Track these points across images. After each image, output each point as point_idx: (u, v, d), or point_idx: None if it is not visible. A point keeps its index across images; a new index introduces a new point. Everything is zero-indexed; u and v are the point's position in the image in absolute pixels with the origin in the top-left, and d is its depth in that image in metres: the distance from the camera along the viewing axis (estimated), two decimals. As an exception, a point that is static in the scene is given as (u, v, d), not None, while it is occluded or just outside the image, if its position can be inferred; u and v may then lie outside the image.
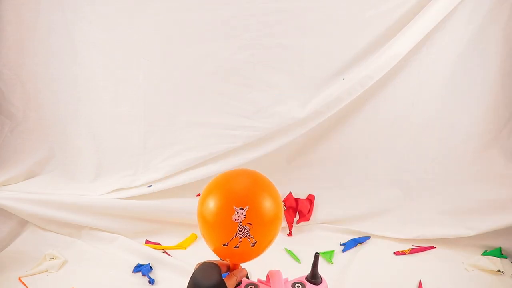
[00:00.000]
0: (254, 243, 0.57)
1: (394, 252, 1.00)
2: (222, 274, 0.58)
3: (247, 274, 0.87)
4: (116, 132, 1.09)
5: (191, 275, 0.57)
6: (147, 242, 1.05)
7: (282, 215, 0.64)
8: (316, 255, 0.66)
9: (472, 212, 1.01)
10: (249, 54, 0.99)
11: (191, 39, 0.99)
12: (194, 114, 1.06)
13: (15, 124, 1.08)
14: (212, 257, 0.62)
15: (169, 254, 0.99)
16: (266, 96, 1.03)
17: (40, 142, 1.11)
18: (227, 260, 0.61)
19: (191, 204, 1.08)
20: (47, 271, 0.92)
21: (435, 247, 1.01)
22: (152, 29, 0.99)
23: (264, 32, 0.97)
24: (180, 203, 1.07)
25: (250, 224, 0.56)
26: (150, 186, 1.07)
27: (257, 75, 1.01)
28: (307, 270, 0.67)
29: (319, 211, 1.09)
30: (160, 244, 1.04)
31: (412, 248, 1.00)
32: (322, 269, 0.66)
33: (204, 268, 0.57)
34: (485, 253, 0.98)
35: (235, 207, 0.56)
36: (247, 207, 0.56)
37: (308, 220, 1.08)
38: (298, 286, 0.64)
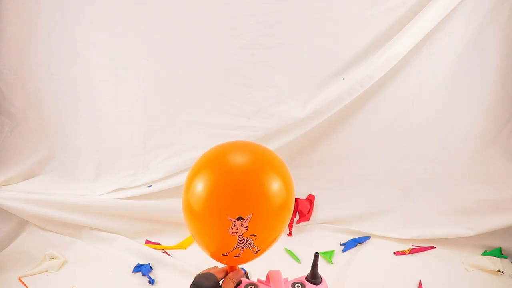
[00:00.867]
0: (258, 251, 0.52)
1: (394, 252, 1.00)
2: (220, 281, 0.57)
3: (247, 274, 0.88)
4: (116, 132, 1.09)
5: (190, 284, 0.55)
6: (147, 242, 1.05)
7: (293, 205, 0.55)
8: (316, 255, 0.66)
9: (472, 212, 1.01)
10: (249, 54, 0.99)
11: (191, 39, 0.99)
12: (194, 114, 1.06)
13: (15, 124, 1.08)
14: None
15: (169, 254, 0.99)
16: (266, 96, 1.03)
17: (40, 142, 1.11)
18: (224, 262, 0.58)
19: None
20: (47, 271, 0.92)
21: (435, 247, 1.01)
22: (152, 29, 0.99)
23: (264, 32, 0.97)
24: (180, 203, 1.06)
25: (255, 236, 0.49)
26: (150, 186, 1.07)
27: (257, 75, 1.01)
28: (307, 270, 0.67)
29: (319, 211, 1.09)
30: (160, 244, 1.04)
31: (412, 248, 1.00)
32: (322, 269, 0.66)
33: (202, 275, 0.56)
34: (485, 253, 0.98)
35: (230, 218, 0.47)
36: (249, 216, 0.47)
37: (308, 220, 1.08)
38: (298, 286, 0.64)
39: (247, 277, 0.89)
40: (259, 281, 0.64)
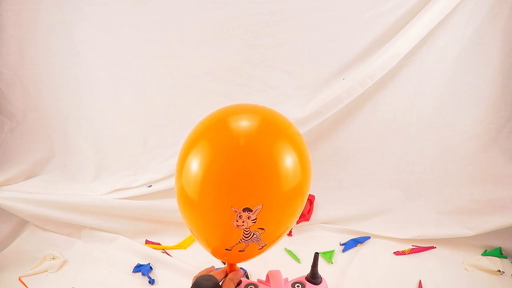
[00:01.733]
0: (263, 246, 0.48)
1: (394, 252, 1.00)
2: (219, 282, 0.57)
3: (247, 274, 0.88)
4: (116, 132, 1.09)
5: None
6: (147, 242, 1.05)
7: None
8: (316, 255, 0.66)
9: (472, 212, 1.01)
10: (249, 54, 0.99)
11: (191, 39, 0.99)
12: (194, 114, 1.05)
13: (15, 124, 1.08)
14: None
15: (169, 254, 0.99)
16: (266, 96, 1.03)
17: (40, 142, 1.11)
18: (226, 258, 0.55)
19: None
20: (47, 271, 0.92)
21: (435, 247, 1.01)
22: (152, 29, 0.99)
23: (264, 32, 0.97)
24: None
25: (263, 229, 0.43)
26: (150, 186, 1.07)
27: (257, 75, 1.01)
28: (307, 270, 0.67)
29: (319, 211, 1.09)
30: (160, 244, 1.04)
31: (412, 248, 1.00)
32: (322, 269, 0.66)
33: (202, 276, 0.56)
34: (485, 253, 0.98)
35: (234, 210, 0.40)
36: (259, 207, 0.40)
37: (308, 220, 1.08)
38: (298, 286, 0.64)
39: (247, 277, 0.89)
40: (259, 281, 0.64)
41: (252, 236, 0.43)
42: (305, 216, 1.07)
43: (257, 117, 0.44)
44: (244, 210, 0.40)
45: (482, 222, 0.98)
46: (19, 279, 0.89)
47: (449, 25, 0.93)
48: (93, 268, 0.94)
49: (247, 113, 0.45)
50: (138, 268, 0.93)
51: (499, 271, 0.91)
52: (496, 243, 0.99)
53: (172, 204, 1.05)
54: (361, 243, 1.03)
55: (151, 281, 0.89)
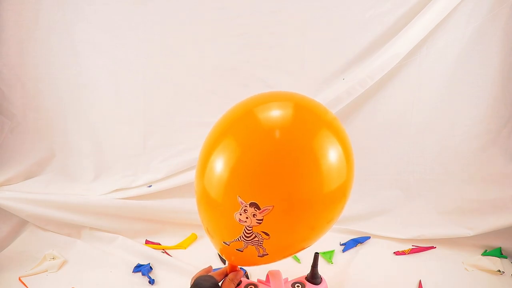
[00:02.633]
0: (264, 255, 0.44)
1: (394, 252, 1.00)
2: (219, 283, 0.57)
3: (247, 274, 0.88)
4: (116, 132, 1.09)
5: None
6: (147, 242, 1.05)
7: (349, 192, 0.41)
8: (316, 255, 0.66)
9: (472, 212, 1.01)
10: (249, 54, 0.99)
11: (191, 39, 0.99)
12: (194, 114, 1.06)
13: (15, 124, 1.08)
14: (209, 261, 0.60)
15: (169, 254, 0.99)
16: (266, 96, 1.03)
17: (40, 142, 1.11)
18: (232, 258, 0.52)
19: (191, 204, 1.08)
20: (47, 271, 0.92)
21: (435, 247, 1.01)
22: (152, 29, 0.99)
23: (264, 32, 0.97)
24: (180, 203, 1.07)
25: (268, 235, 0.39)
26: (150, 186, 1.07)
27: (257, 75, 1.01)
28: (307, 270, 0.67)
29: (319, 211, 1.09)
30: (160, 244, 1.04)
31: (412, 248, 1.00)
32: (322, 269, 0.66)
33: (201, 277, 0.55)
34: (485, 253, 0.98)
35: (240, 201, 0.35)
36: (268, 207, 0.35)
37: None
38: (298, 286, 0.64)
39: (247, 277, 0.89)
40: (259, 281, 0.64)
41: (253, 238, 0.38)
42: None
43: (289, 104, 0.38)
44: (251, 205, 0.36)
45: (482, 222, 0.98)
46: (19, 279, 0.89)
47: (449, 25, 0.93)
48: (93, 268, 0.94)
49: (276, 101, 0.40)
50: (138, 268, 0.93)
51: (499, 271, 0.91)
52: (496, 243, 0.99)
53: (172, 204, 1.07)
54: (361, 243, 1.03)
55: (151, 281, 0.89)
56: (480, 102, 1.00)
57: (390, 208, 1.09)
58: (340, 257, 0.98)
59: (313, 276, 0.66)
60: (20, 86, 1.04)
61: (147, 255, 0.97)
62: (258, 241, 0.39)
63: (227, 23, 0.97)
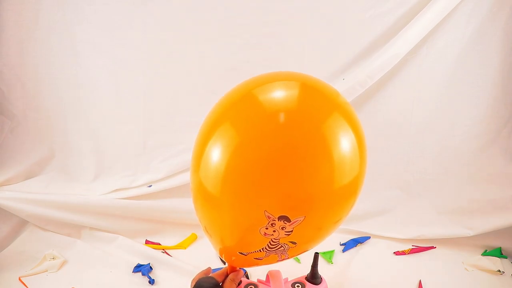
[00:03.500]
0: (284, 259, 0.42)
1: (394, 252, 1.00)
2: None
3: (247, 274, 0.88)
4: (116, 132, 1.09)
5: None
6: (147, 242, 1.05)
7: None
8: (316, 255, 0.66)
9: (472, 212, 1.01)
10: (249, 54, 0.99)
11: (191, 39, 0.99)
12: (194, 114, 1.06)
13: (15, 124, 1.08)
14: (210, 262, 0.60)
15: (169, 254, 0.99)
16: (266, 96, 1.03)
17: (40, 142, 1.11)
18: (233, 258, 0.50)
19: (191, 204, 1.08)
20: (47, 271, 0.92)
21: (435, 247, 1.01)
22: (152, 29, 0.99)
23: (264, 32, 0.97)
24: (180, 203, 1.07)
25: (295, 243, 0.36)
26: (150, 186, 1.07)
27: (257, 75, 1.01)
28: (307, 270, 0.67)
29: (319, 211, 1.09)
30: (160, 244, 1.04)
31: (412, 248, 1.00)
32: (322, 269, 0.66)
33: (203, 278, 0.55)
34: (485, 253, 0.98)
35: (268, 215, 0.31)
36: (299, 219, 0.31)
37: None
38: (298, 286, 0.64)
39: (247, 277, 0.89)
40: (259, 281, 0.64)
41: (279, 248, 0.35)
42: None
43: (295, 84, 0.33)
44: (280, 218, 0.31)
45: (482, 222, 0.98)
46: (19, 279, 0.89)
47: (449, 25, 0.93)
48: (93, 268, 0.94)
49: (280, 81, 0.35)
50: (138, 268, 0.93)
51: (499, 271, 0.91)
52: (496, 243, 0.99)
53: (172, 204, 1.07)
54: (361, 243, 1.03)
55: (151, 281, 0.89)
56: (480, 102, 1.00)
57: (390, 208, 1.09)
58: (340, 257, 0.98)
59: (313, 276, 0.66)
60: (20, 86, 1.04)
61: (147, 255, 0.97)
62: (284, 250, 0.36)
63: (227, 23, 0.97)
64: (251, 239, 0.35)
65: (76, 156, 1.12)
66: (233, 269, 0.59)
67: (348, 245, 1.02)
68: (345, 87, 0.97)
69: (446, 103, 1.01)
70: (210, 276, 0.56)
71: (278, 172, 0.31)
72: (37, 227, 1.06)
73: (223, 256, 0.54)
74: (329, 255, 0.98)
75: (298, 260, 0.97)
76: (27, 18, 0.97)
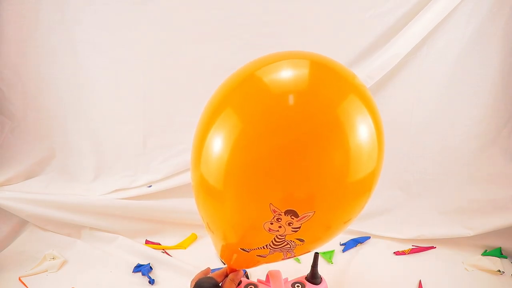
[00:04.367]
0: (289, 258, 0.40)
1: (394, 252, 1.00)
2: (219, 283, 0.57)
3: (247, 274, 0.88)
4: (116, 132, 1.09)
5: None
6: (147, 242, 1.05)
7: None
8: (316, 255, 0.66)
9: (472, 212, 1.01)
10: (249, 54, 0.99)
11: (191, 39, 0.99)
12: (194, 114, 1.05)
13: (15, 124, 1.08)
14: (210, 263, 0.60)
15: (169, 254, 0.99)
16: (266, 96, 1.03)
17: (40, 142, 1.11)
18: (234, 256, 0.48)
19: (191, 204, 1.08)
20: (47, 271, 0.92)
21: (435, 247, 1.01)
22: (152, 29, 0.99)
23: (264, 32, 0.97)
24: (180, 203, 1.07)
25: (302, 241, 0.33)
26: (150, 186, 1.07)
27: (257, 75, 1.01)
28: (307, 270, 0.67)
29: (319, 211, 1.09)
30: (160, 244, 1.04)
31: (412, 248, 1.00)
32: (322, 269, 0.66)
33: (202, 278, 0.55)
34: (485, 253, 0.98)
35: (274, 209, 0.28)
36: (309, 214, 0.28)
37: (308, 220, 1.08)
38: (298, 286, 0.64)
39: (247, 277, 0.89)
40: (259, 281, 0.64)
41: (284, 246, 0.32)
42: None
43: (305, 63, 0.30)
44: (287, 213, 0.28)
45: (482, 222, 0.98)
46: (19, 279, 0.89)
47: (449, 25, 0.93)
48: (93, 268, 0.94)
49: (287, 59, 0.31)
50: (138, 268, 0.93)
51: (499, 271, 0.91)
52: (496, 243, 0.99)
53: (172, 204, 1.07)
54: (361, 243, 1.03)
55: (151, 281, 0.89)
56: (480, 102, 1.00)
57: (390, 208, 1.09)
58: (340, 257, 0.98)
59: (313, 276, 0.65)
60: (20, 86, 1.04)
61: (147, 255, 0.97)
62: (290, 247, 0.33)
63: (227, 23, 0.97)
64: (255, 234, 0.33)
65: (76, 156, 1.12)
66: (232, 269, 0.59)
67: (348, 245, 1.02)
68: (345, 87, 0.97)
69: (446, 103, 1.01)
70: (209, 277, 0.56)
71: (286, 161, 0.28)
72: (37, 227, 1.06)
73: (223, 258, 0.54)
74: (329, 255, 0.98)
75: (298, 260, 0.97)
76: (27, 18, 0.97)
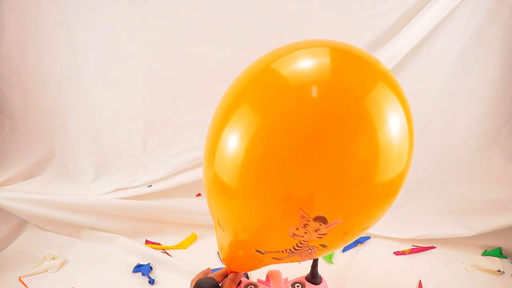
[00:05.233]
0: (305, 260, 0.38)
1: (394, 252, 1.00)
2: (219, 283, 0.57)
3: (247, 274, 0.88)
4: (116, 132, 1.09)
5: None
6: (147, 242, 1.05)
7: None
8: (316, 255, 0.65)
9: (472, 212, 1.01)
10: (249, 54, 0.99)
11: (191, 39, 0.99)
12: (194, 114, 1.06)
13: (15, 124, 1.08)
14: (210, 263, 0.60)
15: (169, 254, 0.99)
16: (266, 96, 1.03)
17: (40, 142, 1.11)
18: (240, 252, 0.47)
19: (191, 204, 1.08)
20: (47, 271, 0.92)
21: (435, 247, 1.01)
22: (152, 29, 0.99)
23: (264, 32, 0.97)
24: (180, 203, 1.07)
25: (325, 246, 0.31)
26: (150, 186, 1.07)
27: (257, 75, 1.01)
28: (307, 270, 0.67)
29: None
30: (160, 244, 1.04)
31: (412, 248, 1.00)
32: (322, 269, 0.66)
33: (202, 279, 0.56)
34: (485, 253, 0.98)
35: (303, 214, 0.27)
36: (337, 221, 0.27)
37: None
38: (298, 286, 0.64)
39: (247, 277, 0.89)
40: (259, 281, 0.64)
41: (306, 251, 0.30)
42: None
43: (325, 51, 0.27)
44: (316, 219, 0.26)
45: (482, 222, 0.98)
46: (19, 279, 0.89)
47: (449, 25, 0.93)
48: (93, 268, 0.94)
49: (305, 48, 0.27)
50: (138, 268, 0.93)
51: (499, 271, 0.91)
52: (496, 243, 0.98)
53: (172, 204, 1.07)
54: (361, 243, 1.03)
55: (151, 281, 0.89)
56: (480, 102, 1.00)
57: (390, 208, 1.09)
58: (340, 257, 0.98)
59: (313, 276, 0.65)
60: (20, 86, 1.04)
61: (147, 255, 0.97)
62: (311, 253, 0.31)
63: (227, 23, 0.97)
64: (276, 239, 0.31)
65: (76, 156, 1.12)
66: (232, 270, 0.59)
67: (348, 245, 1.02)
68: (345, 87, 0.97)
69: (446, 103, 1.01)
70: (209, 277, 0.56)
71: (308, 158, 0.25)
72: (37, 227, 1.06)
73: (225, 261, 0.54)
74: (329, 255, 0.98)
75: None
76: (27, 18, 0.97)
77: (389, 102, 0.27)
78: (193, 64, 1.01)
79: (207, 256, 0.97)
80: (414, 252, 0.99)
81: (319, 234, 0.27)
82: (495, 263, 0.93)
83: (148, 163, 1.10)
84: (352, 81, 0.27)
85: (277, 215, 0.28)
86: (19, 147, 1.10)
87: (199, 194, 1.10)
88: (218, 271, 0.59)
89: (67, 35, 0.99)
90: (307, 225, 0.27)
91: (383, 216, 0.36)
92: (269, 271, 0.63)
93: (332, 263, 0.96)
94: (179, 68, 1.02)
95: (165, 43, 1.00)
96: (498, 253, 0.97)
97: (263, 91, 0.29)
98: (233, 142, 0.28)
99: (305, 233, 0.27)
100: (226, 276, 0.58)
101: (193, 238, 1.06)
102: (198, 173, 1.06)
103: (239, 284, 0.61)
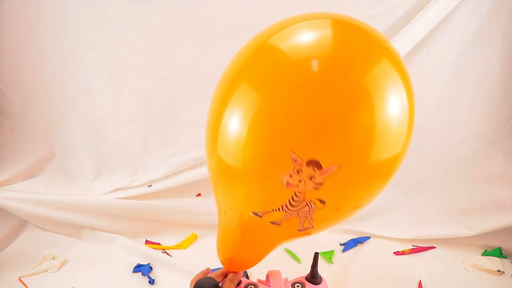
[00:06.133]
0: (306, 229, 0.35)
1: (394, 252, 0.99)
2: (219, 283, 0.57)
3: (247, 274, 0.88)
4: (116, 132, 1.09)
5: None
6: (147, 242, 1.05)
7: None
8: (316, 255, 0.66)
9: (472, 212, 1.01)
10: (249, 54, 0.99)
11: (191, 39, 0.99)
12: (194, 114, 1.06)
13: (15, 124, 1.08)
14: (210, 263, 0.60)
15: (169, 254, 0.99)
16: (266, 96, 1.03)
17: (40, 142, 1.11)
18: (229, 267, 0.52)
19: (191, 204, 1.08)
20: (47, 271, 0.92)
21: (435, 247, 1.01)
22: (152, 29, 0.99)
23: (264, 32, 0.97)
24: (180, 203, 1.07)
25: (324, 202, 0.30)
26: (150, 186, 1.07)
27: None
28: (307, 270, 0.67)
29: (319, 211, 1.09)
30: (160, 244, 1.04)
31: (412, 248, 1.00)
32: (322, 269, 0.66)
33: (202, 279, 0.56)
34: (485, 253, 0.98)
35: (294, 157, 0.26)
36: (333, 167, 0.26)
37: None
38: (298, 286, 0.64)
39: (247, 277, 0.89)
40: (259, 281, 0.64)
41: (303, 208, 0.28)
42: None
43: (326, 23, 0.26)
44: (309, 163, 0.26)
45: (482, 222, 0.98)
46: (19, 279, 0.88)
47: (449, 25, 0.93)
48: (93, 268, 0.94)
49: (305, 21, 0.27)
50: (138, 268, 0.93)
51: (499, 271, 0.91)
52: (496, 243, 0.98)
53: (172, 204, 1.07)
54: (361, 243, 1.03)
55: (151, 281, 0.89)
56: (480, 102, 1.00)
57: (390, 208, 1.09)
58: (340, 257, 0.98)
59: (313, 276, 0.65)
60: (20, 86, 1.04)
61: (147, 255, 0.97)
62: (309, 210, 0.29)
63: (227, 23, 0.97)
64: (270, 190, 0.29)
65: (76, 156, 1.12)
66: (231, 270, 0.59)
67: (348, 245, 1.02)
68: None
69: (446, 103, 1.01)
70: (209, 277, 0.56)
71: (308, 133, 0.26)
72: (37, 227, 1.06)
73: (223, 263, 0.55)
74: (329, 255, 0.98)
75: (298, 260, 0.97)
76: (27, 18, 0.97)
77: (392, 82, 0.26)
78: (193, 64, 1.01)
79: (207, 256, 0.97)
80: (414, 252, 0.99)
81: (314, 183, 0.26)
82: (495, 263, 0.93)
83: (148, 163, 1.10)
84: (356, 55, 0.26)
85: (269, 160, 0.27)
86: (19, 147, 1.10)
87: (199, 194, 1.10)
88: (217, 271, 0.59)
89: (66, 35, 0.99)
90: (301, 170, 0.26)
91: (375, 198, 0.37)
92: (269, 271, 0.63)
93: (332, 263, 0.96)
94: (179, 68, 1.02)
95: (165, 43, 1.00)
96: (498, 253, 0.97)
97: (261, 69, 0.29)
98: (235, 123, 0.28)
99: (300, 181, 0.26)
100: (226, 276, 0.58)
101: (193, 238, 1.06)
102: (198, 173, 1.06)
103: (239, 284, 0.61)
